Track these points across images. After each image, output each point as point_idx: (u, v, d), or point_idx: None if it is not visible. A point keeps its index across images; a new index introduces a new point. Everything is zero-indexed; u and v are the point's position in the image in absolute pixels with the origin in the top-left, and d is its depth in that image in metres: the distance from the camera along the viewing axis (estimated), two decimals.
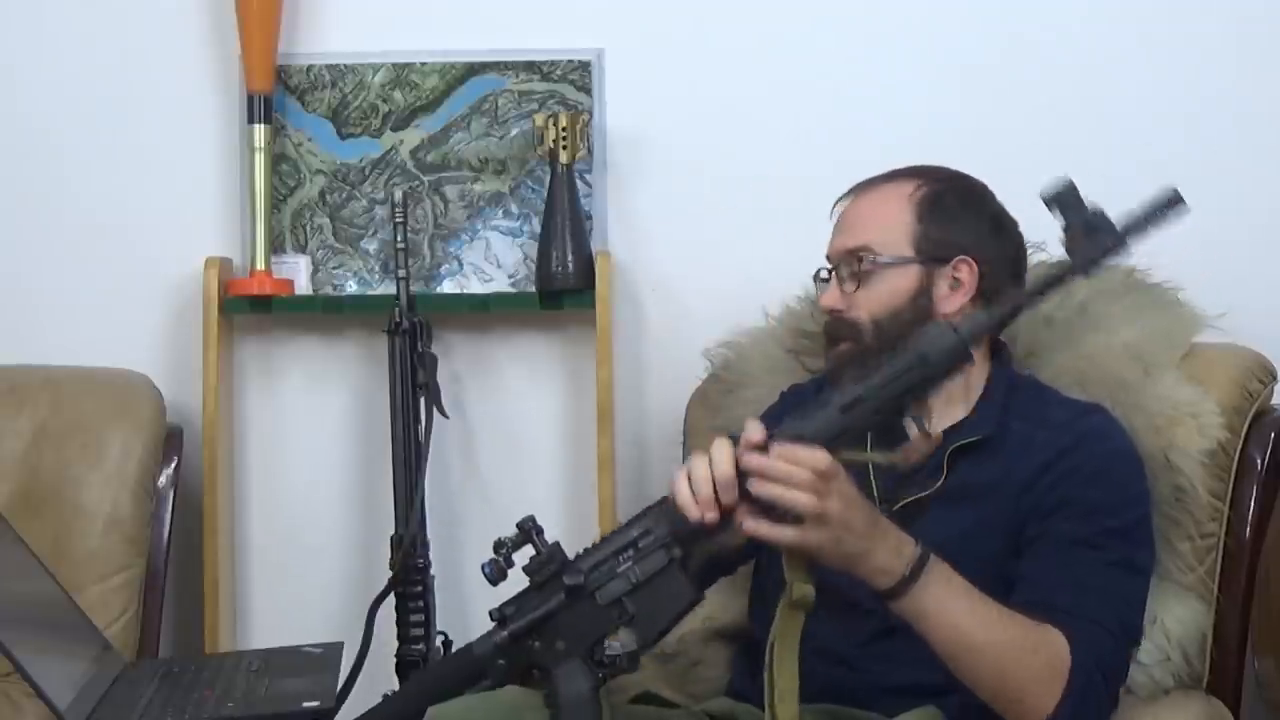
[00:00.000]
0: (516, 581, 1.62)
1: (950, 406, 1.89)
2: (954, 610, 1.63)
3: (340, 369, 2.59)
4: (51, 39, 2.57)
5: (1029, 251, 1.96)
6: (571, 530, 2.43)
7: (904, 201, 1.90)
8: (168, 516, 2.42)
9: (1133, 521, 1.81)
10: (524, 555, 1.61)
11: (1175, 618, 1.92)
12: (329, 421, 2.59)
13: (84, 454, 2.38)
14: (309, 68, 2.56)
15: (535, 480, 2.57)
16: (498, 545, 1.59)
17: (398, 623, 2.38)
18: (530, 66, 2.55)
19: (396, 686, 2.33)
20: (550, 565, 1.59)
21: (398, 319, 2.41)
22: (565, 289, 2.47)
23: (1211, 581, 1.96)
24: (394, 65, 2.56)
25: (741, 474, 1.56)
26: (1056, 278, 1.59)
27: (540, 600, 1.58)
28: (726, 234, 2.53)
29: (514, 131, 2.56)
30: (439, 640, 2.39)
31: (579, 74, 2.55)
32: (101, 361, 2.49)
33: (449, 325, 2.55)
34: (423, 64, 2.56)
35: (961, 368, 1.61)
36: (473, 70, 2.56)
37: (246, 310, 2.53)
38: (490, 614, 1.60)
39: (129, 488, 2.37)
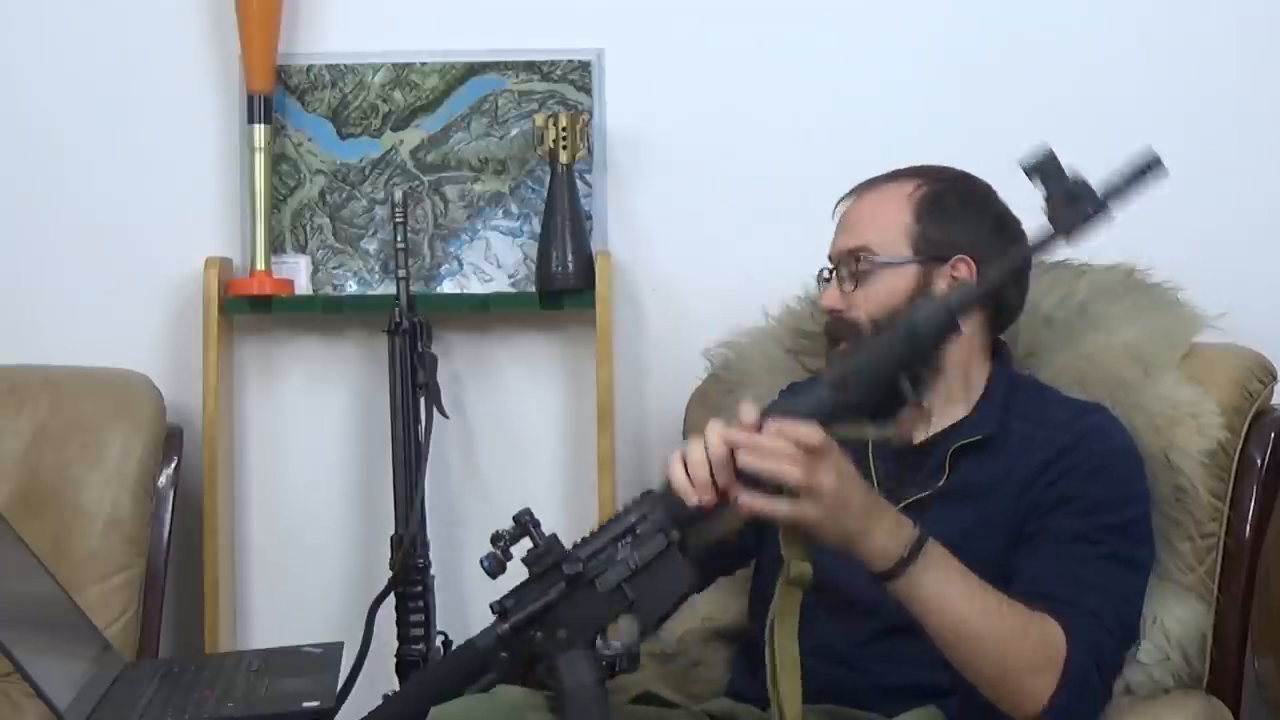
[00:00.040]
0: (515, 577, 1.62)
1: (951, 406, 1.89)
2: (951, 594, 1.63)
3: (340, 369, 2.59)
4: (51, 39, 2.57)
5: None
6: (571, 530, 2.39)
7: (903, 201, 1.90)
8: (168, 516, 2.42)
9: (1132, 518, 1.81)
10: (522, 549, 1.60)
11: (1175, 618, 1.92)
12: (329, 421, 2.59)
13: (84, 454, 2.38)
14: (309, 68, 2.56)
15: (535, 480, 2.57)
16: (495, 538, 1.59)
17: (398, 623, 2.38)
18: (530, 66, 2.55)
19: (396, 686, 2.33)
20: (549, 556, 1.58)
21: (398, 319, 2.41)
22: (565, 289, 2.47)
23: (1211, 581, 1.96)
24: (394, 65, 2.56)
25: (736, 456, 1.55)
26: (1040, 243, 1.58)
27: (540, 591, 1.58)
28: (726, 234, 2.54)
29: (514, 131, 2.56)
30: (439, 640, 2.39)
31: (579, 74, 2.55)
32: (101, 361, 2.49)
33: (449, 325, 2.55)
34: (423, 64, 2.56)
35: (951, 339, 1.60)
36: (473, 70, 2.56)
37: (246, 310, 2.53)
38: (491, 606, 1.60)
39: (129, 488, 2.37)
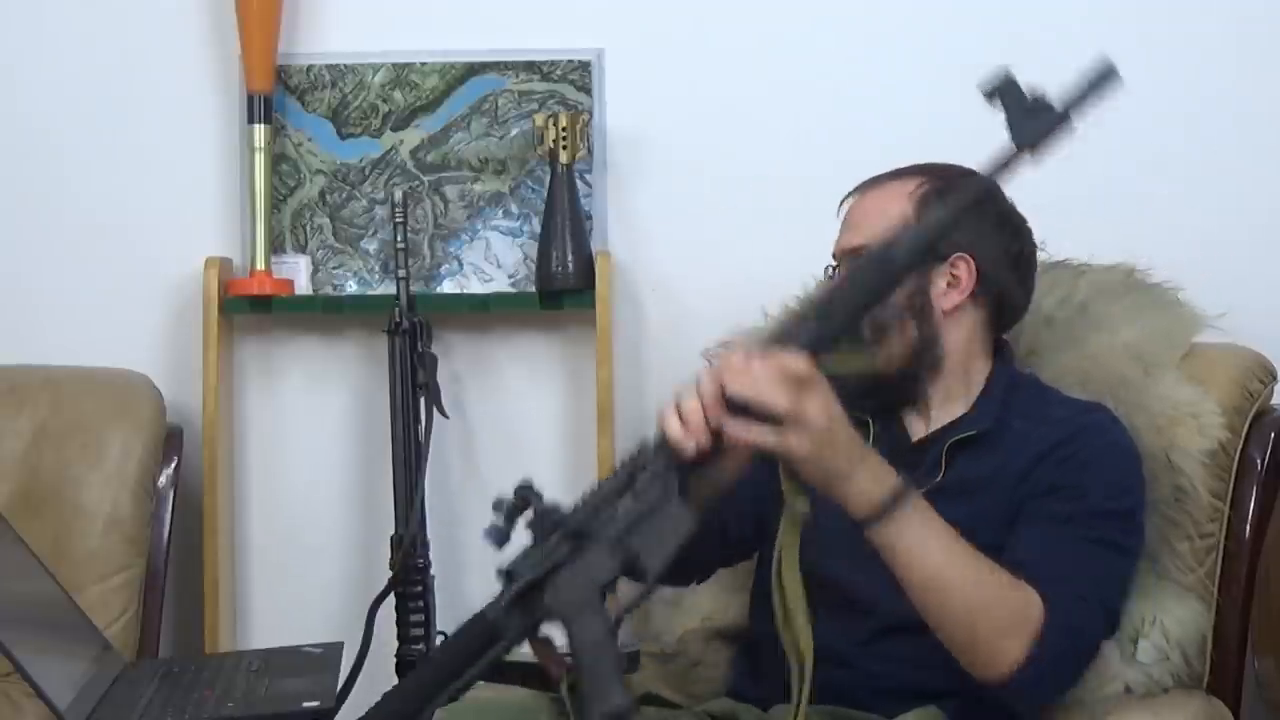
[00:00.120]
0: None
1: (950, 403, 1.89)
2: (931, 547, 1.63)
3: (340, 369, 2.59)
4: (51, 39, 2.57)
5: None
6: None
7: (904, 200, 1.89)
8: (168, 516, 2.42)
9: (1124, 509, 1.81)
10: (524, 533, 1.60)
11: (1175, 618, 1.92)
12: (329, 421, 2.59)
13: (84, 454, 2.38)
14: (309, 68, 2.56)
15: (535, 480, 2.56)
16: (496, 504, 1.58)
17: (398, 623, 2.38)
18: (530, 66, 2.55)
19: None
20: (551, 517, 1.58)
21: (398, 319, 2.41)
22: (565, 289, 2.47)
23: (1211, 582, 1.96)
24: (394, 65, 2.56)
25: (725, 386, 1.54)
26: (1005, 161, 1.58)
27: (545, 553, 1.57)
28: (726, 234, 2.53)
29: (514, 131, 2.56)
30: (439, 640, 2.39)
31: (579, 74, 2.55)
32: (101, 361, 2.49)
33: (449, 325, 2.55)
34: (423, 64, 2.56)
35: (925, 268, 1.62)
36: (473, 70, 2.56)
37: (246, 310, 2.53)
38: (497, 572, 1.59)
39: (129, 488, 2.37)
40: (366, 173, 2.57)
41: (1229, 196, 2.47)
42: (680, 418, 1.55)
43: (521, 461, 2.57)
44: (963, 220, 1.88)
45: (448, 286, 2.56)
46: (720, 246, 2.53)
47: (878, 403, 1.82)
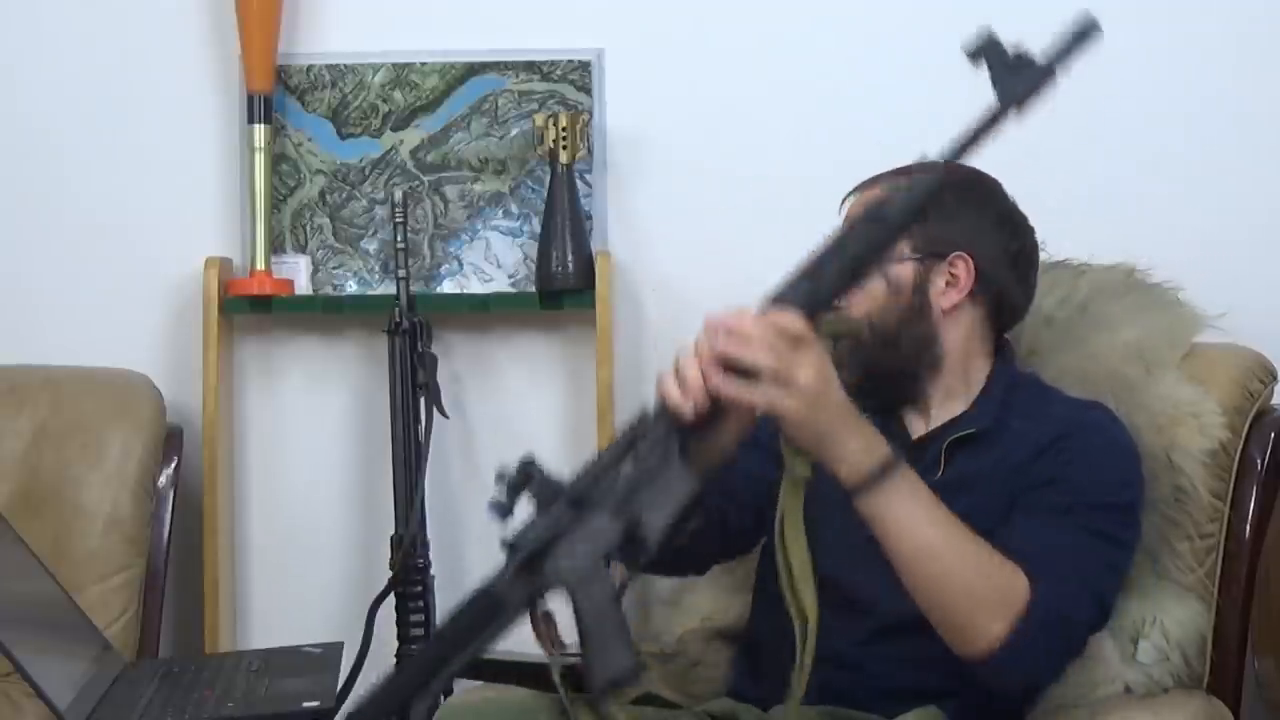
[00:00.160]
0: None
1: (950, 402, 1.89)
2: (918, 520, 1.63)
3: (340, 369, 2.59)
4: (51, 39, 2.57)
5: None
6: None
7: None
8: (168, 516, 2.42)
9: (1121, 503, 1.81)
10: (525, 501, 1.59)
11: (1175, 618, 1.92)
12: (329, 421, 2.59)
13: (84, 454, 2.38)
14: (309, 68, 2.56)
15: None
16: (499, 477, 1.58)
17: (398, 623, 2.38)
18: (530, 66, 2.55)
19: None
20: (553, 486, 1.58)
21: (398, 319, 2.41)
22: (565, 289, 2.47)
23: (1211, 582, 1.96)
24: (394, 65, 2.56)
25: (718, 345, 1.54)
26: (991, 118, 1.59)
27: (547, 522, 1.57)
28: (726, 234, 2.53)
29: (514, 131, 2.56)
30: None
31: (579, 74, 2.55)
32: (101, 361, 2.49)
33: (449, 325, 2.55)
34: (423, 64, 2.56)
35: (913, 230, 1.64)
36: (473, 70, 2.56)
37: (246, 310, 2.53)
38: (501, 543, 1.59)
39: (129, 488, 2.37)
40: (366, 173, 2.57)
41: (1229, 196, 2.47)
42: (678, 380, 1.55)
43: None
44: (961, 221, 1.89)
45: (448, 286, 2.56)
46: (720, 246, 2.53)
47: (878, 401, 1.82)
